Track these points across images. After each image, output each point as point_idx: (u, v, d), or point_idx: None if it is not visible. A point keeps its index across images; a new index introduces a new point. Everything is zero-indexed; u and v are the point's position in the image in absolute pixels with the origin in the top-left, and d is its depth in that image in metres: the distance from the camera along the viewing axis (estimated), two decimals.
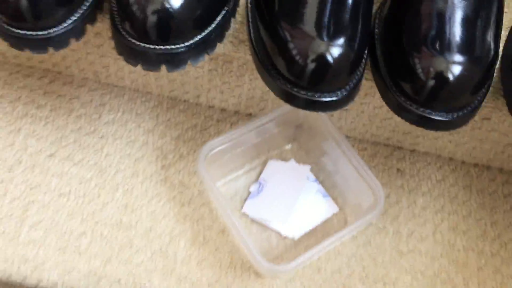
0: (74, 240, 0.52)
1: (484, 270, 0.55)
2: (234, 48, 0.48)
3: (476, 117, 0.53)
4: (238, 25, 0.50)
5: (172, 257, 0.52)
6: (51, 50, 0.40)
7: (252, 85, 0.57)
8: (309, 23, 0.38)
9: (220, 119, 0.61)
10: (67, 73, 0.61)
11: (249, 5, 0.44)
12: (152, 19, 0.36)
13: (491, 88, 0.45)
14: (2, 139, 0.57)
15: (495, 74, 0.44)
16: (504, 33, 0.46)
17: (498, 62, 0.43)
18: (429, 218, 0.57)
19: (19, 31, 0.39)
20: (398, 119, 0.53)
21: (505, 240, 0.57)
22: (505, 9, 0.46)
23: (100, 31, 0.52)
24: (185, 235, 0.53)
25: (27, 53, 0.53)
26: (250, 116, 0.62)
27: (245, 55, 0.50)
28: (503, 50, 0.44)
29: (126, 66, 0.58)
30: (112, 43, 0.42)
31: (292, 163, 0.58)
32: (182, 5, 0.37)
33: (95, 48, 0.56)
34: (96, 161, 0.57)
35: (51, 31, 0.39)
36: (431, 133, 0.59)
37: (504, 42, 0.45)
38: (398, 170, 0.60)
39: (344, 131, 0.61)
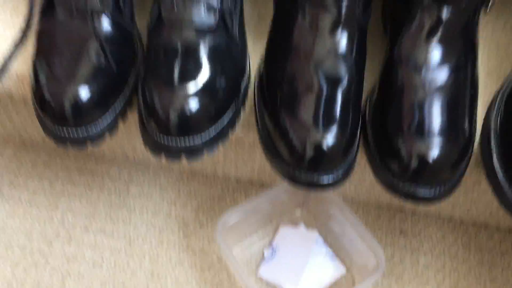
0: None
1: None
2: (245, 131, 0.55)
3: (468, 182, 0.59)
4: (248, 109, 0.57)
5: None
6: (89, 145, 0.47)
7: (263, 160, 0.63)
8: (306, 114, 0.45)
9: (235, 189, 0.68)
10: (99, 153, 0.69)
11: (255, 96, 0.51)
12: (173, 118, 0.44)
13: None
14: (42, 215, 0.64)
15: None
16: (483, 110, 0.52)
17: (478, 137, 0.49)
18: (431, 277, 0.62)
19: (63, 130, 0.46)
20: None
21: None
22: (483, 87, 0.52)
23: (129, 119, 0.60)
24: None
25: None
26: (262, 185, 0.68)
27: (254, 136, 0.57)
28: (482, 126, 0.50)
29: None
30: (135, 128, 0.49)
31: (301, 228, 0.64)
32: (199, 106, 0.44)
33: (124, 133, 0.63)
34: (125, 233, 0.63)
35: (90, 130, 0.46)
36: None
37: (483, 119, 0.51)
38: (400, 231, 0.65)
39: (349, 197, 0.66)
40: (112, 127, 0.48)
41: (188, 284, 0.60)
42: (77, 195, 0.66)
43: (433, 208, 0.65)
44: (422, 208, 0.66)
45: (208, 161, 0.67)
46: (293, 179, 0.45)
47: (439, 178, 0.44)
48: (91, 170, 0.68)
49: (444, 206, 0.65)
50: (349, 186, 0.65)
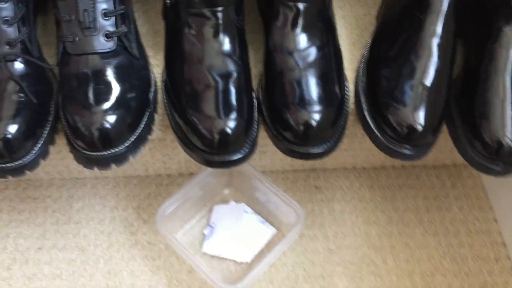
0: None
1: (396, 247, 0.71)
2: (163, 133, 0.63)
3: (358, 133, 0.70)
4: (162, 112, 0.64)
5: None
6: (27, 173, 0.54)
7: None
8: (208, 107, 0.53)
9: (168, 184, 0.76)
10: (36, 178, 0.74)
11: (165, 100, 0.59)
12: (96, 135, 0.51)
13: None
14: None
15: None
16: (353, 74, 0.63)
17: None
18: (346, 219, 0.73)
19: (1, 165, 0.52)
20: None
21: (407, 221, 0.73)
22: (351, 56, 0.63)
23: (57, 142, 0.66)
24: (162, 282, 0.67)
25: None
26: (191, 174, 0.76)
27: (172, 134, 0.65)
28: (354, 88, 0.61)
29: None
30: (65, 150, 0.56)
31: (232, 203, 0.73)
32: (115, 120, 0.51)
33: (56, 156, 0.69)
34: (76, 243, 0.70)
35: (25, 159, 0.53)
36: (333, 153, 0.75)
37: (354, 82, 0.61)
38: (316, 187, 0.76)
39: (267, 168, 0.76)
40: (44, 153, 0.55)
41: (143, 274, 0.68)
42: (24, 220, 0.71)
43: (338, 161, 0.77)
44: (330, 163, 0.77)
45: (138, 164, 0.74)
46: (209, 163, 0.54)
47: (323, 136, 0.54)
48: (32, 196, 0.73)
49: (347, 158, 0.76)
50: (265, 159, 0.75)
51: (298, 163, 0.76)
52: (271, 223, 0.72)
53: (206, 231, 0.71)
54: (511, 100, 0.54)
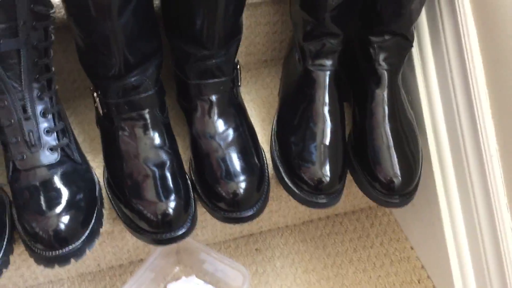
0: None
1: (334, 286, 0.80)
2: (111, 225, 0.70)
3: (283, 194, 0.80)
4: (108, 207, 0.72)
5: None
6: None
7: (133, 239, 0.79)
8: (149, 194, 0.62)
9: (121, 273, 0.81)
10: None
11: (109, 196, 0.67)
12: (53, 235, 0.57)
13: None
14: None
15: None
16: (268, 145, 0.74)
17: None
18: (288, 272, 0.82)
19: None
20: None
21: (339, 263, 0.83)
22: (263, 129, 0.75)
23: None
24: None
25: None
26: (141, 260, 0.82)
27: (120, 225, 0.72)
28: (270, 156, 0.72)
29: (38, 269, 0.76)
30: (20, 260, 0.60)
31: (183, 279, 0.79)
32: (69, 220, 0.58)
33: (11, 266, 0.73)
34: None
35: None
36: (265, 217, 0.85)
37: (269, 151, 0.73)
38: (256, 249, 0.85)
39: (211, 240, 0.84)
40: (6, 263, 0.60)
41: None
42: None
43: (272, 222, 0.86)
44: (264, 226, 0.86)
45: (90, 260, 0.79)
46: (158, 241, 0.62)
47: (251, 201, 0.64)
48: None
49: (278, 218, 0.86)
50: (206, 232, 0.83)
51: (236, 230, 0.85)
52: None
53: None
54: (393, 145, 0.67)
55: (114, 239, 0.77)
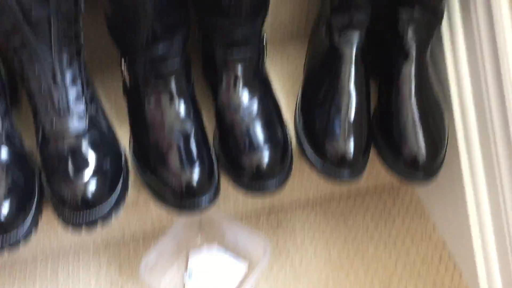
0: None
1: (354, 263, 0.80)
2: (135, 192, 0.71)
3: (305, 168, 0.81)
4: (134, 175, 0.73)
5: None
6: (21, 245, 0.60)
7: (156, 209, 0.80)
8: (174, 164, 0.63)
9: (144, 242, 0.83)
10: (21, 258, 0.80)
11: (135, 164, 0.68)
12: (80, 200, 0.59)
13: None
14: None
15: None
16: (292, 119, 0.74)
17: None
18: (308, 247, 0.82)
19: None
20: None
21: (360, 239, 0.83)
22: (288, 104, 0.75)
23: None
24: None
25: None
26: (165, 230, 0.84)
27: (144, 194, 0.74)
28: (294, 130, 0.72)
29: (64, 235, 0.78)
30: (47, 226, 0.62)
31: (205, 248, 0.81)
32: (96, 186, 0.60)
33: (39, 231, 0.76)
34: None
35: (19, 232, 0.60)
36: (287, 191, 0.85)
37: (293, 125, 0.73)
38: (277, 224, 0.86)
39: (232, 212, 0.85)
40: (34, 227, 0.62)
41: None
42: None
43: (293, 197, 0.87)
44: (286, 200, 0.87)
45: (115, 229, 0.81)
46: (181, 210, 0.63)
47: (273, 173, 0.65)
48: (19, 274, 0.79)
49: (300, 193, 0.86)
50: (228, 203, 0.84)
51: (258, 203, 0.86)
52: (243, 260, 0.80)
53: (185, 277, 0.78)
54: (419, 121, 0.67)
55: (138, 208, 0.79)
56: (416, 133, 0.66)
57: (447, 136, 0.70)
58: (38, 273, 0.79)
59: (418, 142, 0.66)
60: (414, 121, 0.67)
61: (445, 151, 0.69)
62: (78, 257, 0.81)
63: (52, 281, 0.78)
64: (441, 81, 0.74)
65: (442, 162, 0.68)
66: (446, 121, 0.70)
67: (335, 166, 0.67)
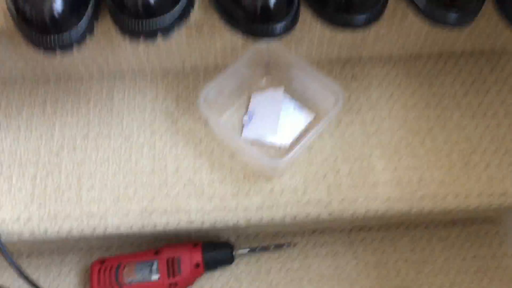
0: (123, 191, 0.68)
1: (433, 129, 0.71)
2: (201, 15, 0.63)
3: (396, 19, 0.69)
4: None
5: (199, 183, 0.68)
6: (75, 49, 0.55)
7: (222, 41, 0.72)
8: None
9: (205, 77, 0.76)
10: (76, 72, 0.76)
11: None
12: (141, 4, 0.51)
13: None
14: (43, 134, 0.72)
15: None
16: None
17: None
18: (383, 105, 0.74)
19: (48, 39, 0.53)
20: (340, 36, 0.69)
21: (444, 105, 0.73)
22: None
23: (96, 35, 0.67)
24: (204, 165, 0.69)
25: (40, 66, 0.68)
26: (227, 66, 0.77)
27: (211, 19, 0.65)
28: None
29: (122, 55, 0.72)
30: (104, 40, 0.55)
31: (270, 91, 0.74)
32: None
33: (96, 48, 0.70)
34: (120, 132, 0.72)
35: (72, 35, 0.54)
36: (369, 42, 0.74)
37: None
38: (352, 76, 0.76)
39: (303, 57, 0.76)
40: (90, 29, 0.56)
41: (186, 158, 0.70)
42: (68, 111, 0.73)
43: (375, 50, 0.76)
44: (366, 52, 0.76)
45: (175, 58, 0.75)
46: (253, 33, 0.55)
47: (365, 5, 0.54)
48: (74, 88, 0.75)
49: (384, 46, 0.75)
50: (301, 47, 0.74)
51: (334, 51, 0.76)
52: (309, 109, 0.73)
53: (245, 118, 0.72)
54: None
55: (202, 37, 0.71)
56: None
57: None
58: (94, 91, 0.75)
59: None
60: None
61: None
62: (135, 83, 0.76)
63: (107, 101, 0.74)
64: None
65: None
66: None
67: (442, 7, 0.55)
